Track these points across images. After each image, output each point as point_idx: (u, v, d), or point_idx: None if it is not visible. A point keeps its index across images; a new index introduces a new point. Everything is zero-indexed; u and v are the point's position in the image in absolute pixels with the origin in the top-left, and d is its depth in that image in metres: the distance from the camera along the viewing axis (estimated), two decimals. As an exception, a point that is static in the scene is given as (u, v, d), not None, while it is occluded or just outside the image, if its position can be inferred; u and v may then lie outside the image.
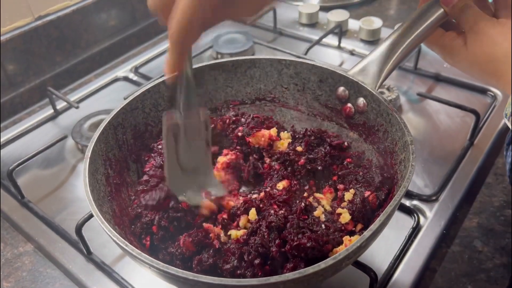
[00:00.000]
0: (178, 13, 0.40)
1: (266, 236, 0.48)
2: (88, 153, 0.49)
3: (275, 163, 0.59)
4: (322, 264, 0.38)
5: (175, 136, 0.50)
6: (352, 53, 0.97)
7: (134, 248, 0.40)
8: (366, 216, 0.52)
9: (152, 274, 0.43)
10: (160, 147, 0.60)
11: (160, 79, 0.60)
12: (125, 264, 0.59)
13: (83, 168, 0.48)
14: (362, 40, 1.00)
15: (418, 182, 0.67)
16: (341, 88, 0.59)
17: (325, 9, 1.11)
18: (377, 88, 0.55)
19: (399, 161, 0.51)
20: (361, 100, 0.58)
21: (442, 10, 0.53)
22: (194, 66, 0.62)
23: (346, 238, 0.48)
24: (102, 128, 0.53)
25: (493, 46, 0.48)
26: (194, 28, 0.41)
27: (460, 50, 0.51)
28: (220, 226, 0.52)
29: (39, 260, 0.61)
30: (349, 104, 0.60)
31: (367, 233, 0.40)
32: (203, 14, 0.41)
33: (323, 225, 0.50)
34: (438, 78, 0.87)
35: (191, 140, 0.50)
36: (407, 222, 0.61)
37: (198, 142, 0.51)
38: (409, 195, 0.65)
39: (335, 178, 0.58)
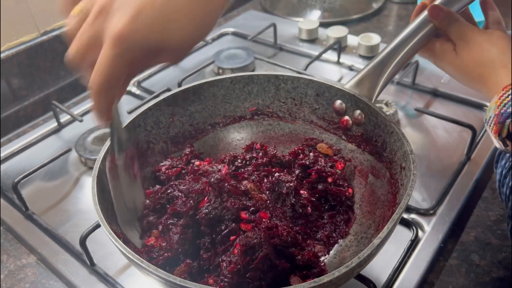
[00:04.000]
0: (99, 68, 0.38)
1: None
2: (95, 171, 0.50)
3: None
4: (336, 272, 0.39)
5: (116, 176, 0.51)
6: (351, 68, 0.99)
7: (150, 264, 0.41)
8: None
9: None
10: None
11: (161, 97, 0.62)
12: (128, 276, 0.60)
13: (92, 186, 0.49)
14: (361, 56, 1.02)
15: (416, 195, 0.68)
16: (338, 102, 0.61)
17: (324, 25, 1.13)
18: (373, 100, 0.57)
19: (399, 170, 0.52)
20: (358, 113, 0.59)
21: (432, 24, 0.56)
22: (195, 83, 0.64)
23: None
24: (107, 147, 0.54)
25: (481, 52, 0.51)
26: (117, 83, 0.39)
27: (450, 56, 0.54)
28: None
29: (42, 272, 0.62)
30: (346, 117, 0.61)
31: (376, 241, 0.41)
32: (125, 69, 0.39)
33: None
34: (435, 94, 0.89)
35: (124, 178, 0.52)
36: (406, 235, 0.62)
37: (131, 180, 0.53)
38: (407, 208, 0.66)
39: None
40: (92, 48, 0.39)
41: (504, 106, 0.45)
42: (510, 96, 0.45)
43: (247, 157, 0.62)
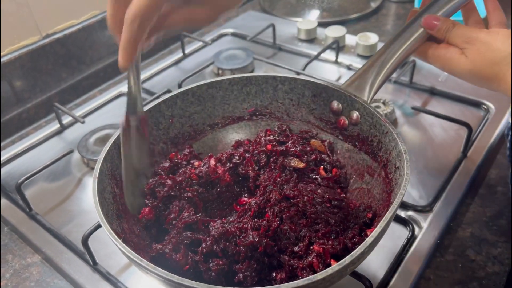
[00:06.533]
0: (134, 3, 0.41)
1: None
2: (96, 172, 0.51)
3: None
4: (329, 270, 0.40)
5: (128, 137, 0.52)
6: (349, 68, 1.00)
7: (149, 263, 0.42)
8: None
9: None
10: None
11: (161, 99, 0.63)
12: (130, 274, 0.61)
13: (92, 187, 0.50)
14: (359, 55, 1.03)
15: (413, 193, 0.69)
16: (335, 102, 0.62)
17: (323, 25, 1.14)
18: (369, 100, 0.58)
19: (394, 170, 0.53)
20: (354, 113, 0.60)
21: None
22: (193, 85, 0.65)
23: None
24: (107, 148, 0.55)
25: (493, 52, 0.50)
26: (149, 16, 0.41)
27: (459, 60, 0.53)
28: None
29: (46, 270, 0.63)
30: (342, 117, 0.62)
31: (369, 239, 0.42)
32: (158, 5, 0.41)
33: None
34: (432, 92, 0.90)
35: (136, 141, 0.53)
36: (402, 233, 0.63)
37: (141, 143, 0.55)
38: (404, 206, 0.67)
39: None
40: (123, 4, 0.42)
41: None
42: None
43: (246, 154, 0.63)
